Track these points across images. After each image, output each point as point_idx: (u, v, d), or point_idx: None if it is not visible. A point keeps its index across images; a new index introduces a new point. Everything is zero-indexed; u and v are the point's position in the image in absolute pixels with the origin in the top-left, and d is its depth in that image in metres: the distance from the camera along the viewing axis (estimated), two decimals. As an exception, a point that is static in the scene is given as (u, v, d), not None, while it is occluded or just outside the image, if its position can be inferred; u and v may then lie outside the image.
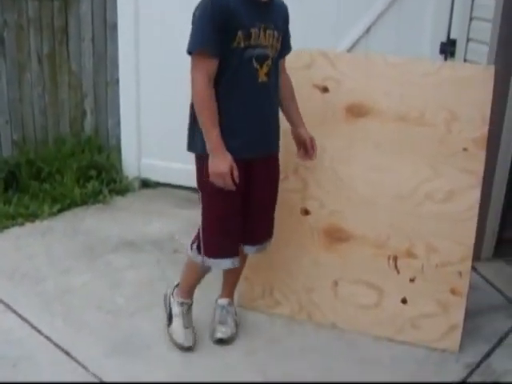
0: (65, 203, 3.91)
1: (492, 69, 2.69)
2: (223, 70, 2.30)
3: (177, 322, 2.69)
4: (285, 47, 2.49)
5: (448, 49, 3.48)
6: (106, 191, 4.06)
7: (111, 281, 3.13)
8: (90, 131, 4.38)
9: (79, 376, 2.44)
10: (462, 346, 2.68)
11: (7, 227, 3.66)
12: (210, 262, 2.54)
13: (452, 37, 3.47)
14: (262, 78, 2.35)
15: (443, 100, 2.69)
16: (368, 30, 3.66)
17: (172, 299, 2.75)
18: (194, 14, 2.31)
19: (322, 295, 2.84)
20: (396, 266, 2.75)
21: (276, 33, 2.38)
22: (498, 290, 3.18)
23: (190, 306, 2.73)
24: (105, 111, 4.33)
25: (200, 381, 2.45)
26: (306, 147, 2.61)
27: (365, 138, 2.78)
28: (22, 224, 3.70)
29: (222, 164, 2.29)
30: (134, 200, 4.13)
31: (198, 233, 2.58)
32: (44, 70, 4.26)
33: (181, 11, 3.85)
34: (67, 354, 2.57)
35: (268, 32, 2.34)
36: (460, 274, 2.68)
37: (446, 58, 3.51)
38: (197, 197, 4.11)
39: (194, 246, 2.60)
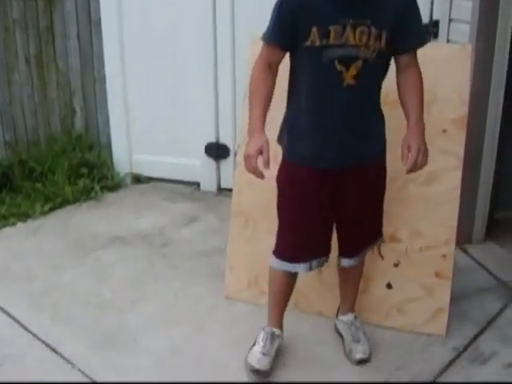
0: (56, 202, 3.92)
1: (469, 47, 2.66)
2: (299, 69, 2.16)
3: (256, 347, 2.48)
4: (406, 42, 2.17)
5: (431, 30, 3.43)
6: (97, 188, 4.07)
7: (99, 276, 3.13)
8: (80, 129, 4.39)
9: (66, 373, 2.45)
10: (449, 330, 2.66)
11: (-1, 228, 3.69)
12: (281, 264, 2.38)
13: (435, 18, 3.43)
14: (349, 80, 2.11)
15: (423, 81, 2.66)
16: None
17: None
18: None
19: (306, 283, 2.81)
20: (380, 252, 2.72)
21: (375, 29, 2.07)
22: (490, 272, 3.14)
23: (273, 335, 2.49)
24: (94, 109, 4.33)
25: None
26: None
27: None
28: (13, 224, 3.72)
29: (251, 145, 2.14)
30: (125, 196, 4.13)
31: None
32: (32, 70, 4.27)
33: (164, 5, 3.88)
34: (54, 351, 2.58)
35: (360, 29, 2.06)
36: (444, 256, 2.66)
37: (429, 39, 3.45)
38: (186, 190, 4.19)
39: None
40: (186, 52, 3.92)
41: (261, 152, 2.14)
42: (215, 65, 3.89)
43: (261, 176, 2.18)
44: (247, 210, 2.90)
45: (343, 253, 2.46)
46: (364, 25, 2.06)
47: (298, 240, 2.36)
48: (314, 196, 2.27)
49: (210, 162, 4.11)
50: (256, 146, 2.13)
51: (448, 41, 3.28)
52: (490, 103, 3.13)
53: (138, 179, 4.30)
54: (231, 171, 4.07)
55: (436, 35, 3.42)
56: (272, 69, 2.21)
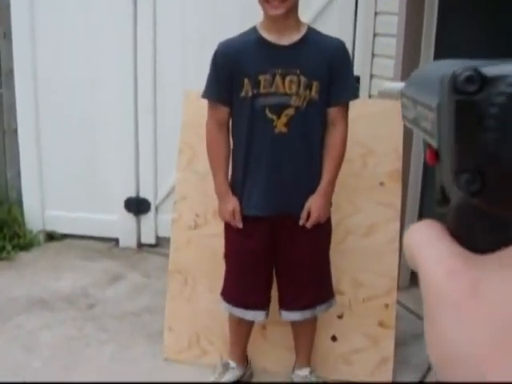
0: (-37, 264, 3.63)
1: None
2: (237, 120, 2.25)
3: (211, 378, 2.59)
4: (334, 95, 2.21)
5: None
6: (9, 247, 3.80)
7: (25, 345, 2.90)
8: (-14, 184, 4.12)
9: None
10: (394, 378, 2.69)
11: None
12: (230, 308, 2.45)
13: (355, 73, 3.56)
14: (280, 128, 2.18)
15: (357, 135, 2.73)
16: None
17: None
18: None
19: (250, 339, 2.77)
20: (324, 304, 2.73)
21: (304, 78, 2.15)
22: (421, 318, 3.23)
23: (227, 366, 2.59)
24: (3, 162, 4.09)
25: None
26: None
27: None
28: None
29: (224, 210, 2.30)
30: (40, 255, 3.89)
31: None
32: None
33: (81, 54, 3.77)
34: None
35: (289, 78, 2.15)
36: (386, 306, 2.71)
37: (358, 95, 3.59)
38: (104, 247, 4.01)
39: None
40: (104, 103, 3.81)
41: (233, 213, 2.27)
42: (135, 116, 3.81)
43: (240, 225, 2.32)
44: (185, 268, 2.81)
45: (281, 304, 2.45)
46: (293, 74, 2.15)
47: (237, 285, 2.41)
48: (247, 243, 2.32)
49: (130, 217, 3.97)
50: (229, 209, 2.27)
51: (370, 96, 3.42)
52: (412, 158, 3.27)
53: (51, 237, 4.07)
54: (152, 226, 3.97)
55: (357, 90, 3.56)
56: (223, 128, 2.28)
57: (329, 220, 2.43)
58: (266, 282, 2.43)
